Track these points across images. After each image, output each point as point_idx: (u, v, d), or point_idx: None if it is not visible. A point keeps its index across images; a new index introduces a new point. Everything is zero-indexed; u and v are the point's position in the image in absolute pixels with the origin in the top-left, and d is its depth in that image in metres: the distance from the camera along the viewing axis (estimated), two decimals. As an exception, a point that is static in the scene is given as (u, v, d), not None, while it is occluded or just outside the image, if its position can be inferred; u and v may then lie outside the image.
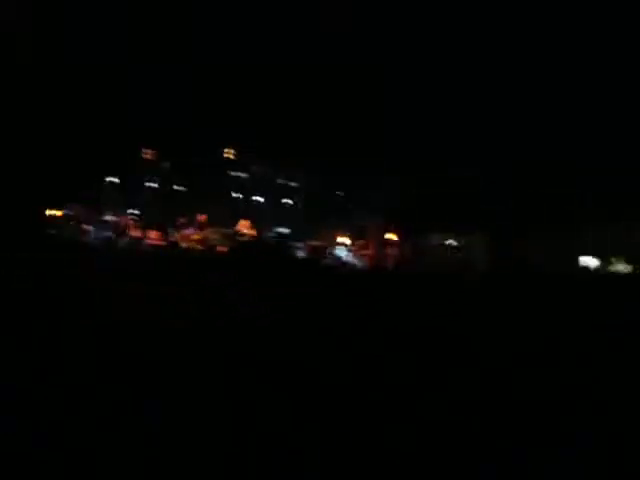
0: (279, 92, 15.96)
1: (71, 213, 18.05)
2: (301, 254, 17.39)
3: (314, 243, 17.46)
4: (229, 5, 15.20)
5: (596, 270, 16.27)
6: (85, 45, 15.67)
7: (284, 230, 17.49)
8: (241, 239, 17.21)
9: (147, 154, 18.64)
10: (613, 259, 17.25)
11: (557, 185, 15.63)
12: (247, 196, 18.00)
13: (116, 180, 18.44)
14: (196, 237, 17.41)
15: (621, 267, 17.04)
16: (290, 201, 17.94)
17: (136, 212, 18.07)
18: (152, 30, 15.34)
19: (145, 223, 18.23)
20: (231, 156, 18.50)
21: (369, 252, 17.47)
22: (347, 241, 18.08)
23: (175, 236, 17.72)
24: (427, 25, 15.11)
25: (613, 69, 14.91)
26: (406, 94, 15.25)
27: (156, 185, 18.63)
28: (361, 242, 17.58)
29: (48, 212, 17.86)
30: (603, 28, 14.48)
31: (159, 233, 18.09)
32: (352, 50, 15.26)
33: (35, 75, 15.54)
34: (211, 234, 17.31)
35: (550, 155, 15.24)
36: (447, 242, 17.63)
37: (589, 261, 17.31)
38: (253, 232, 17.44)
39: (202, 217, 17.77)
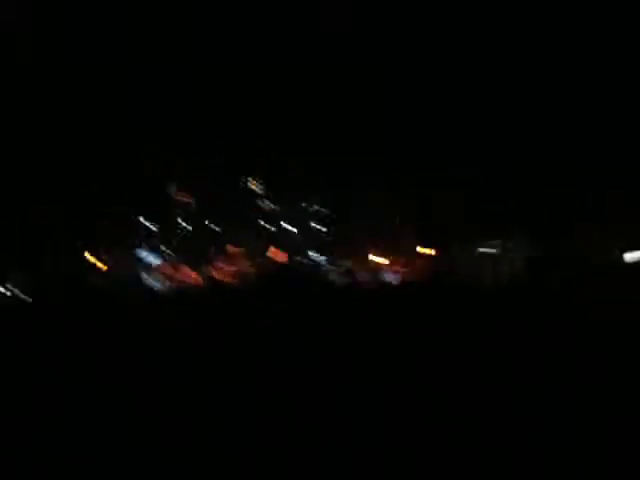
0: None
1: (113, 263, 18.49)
2: (335, 277, 17.36)
3: (348, 265, 17.43)
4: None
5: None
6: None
7: (316, 255, 17.54)
8: (272, 267, 17.32)
9: (176, 194, 19.07)
10: None
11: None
12: (277, 224, 18.16)
13: (151, 225, 18.86)
14: (231, 269, 17.59)
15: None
16: (320, 226, 18.03)
17: (169, 252, 18.42)
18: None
19: (177, 261, 18.55)
20: (255, 187, 18.77)
21: (405, 269, 17.30)
22: (382, 260, 17.95)
23: (210, 271, 17.93)
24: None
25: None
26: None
27: (184, 224, 18.98)
28: (396, 258, 17.44)
29: (91, 260, 18.21)
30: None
31: (193, 270, 18.34)
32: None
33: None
34: (244, 265, 17.48)
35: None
36: (483, 250, 17.34)
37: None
38: (285, 259, 17.53)
39: (233, 249, 17.95)
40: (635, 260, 16.01)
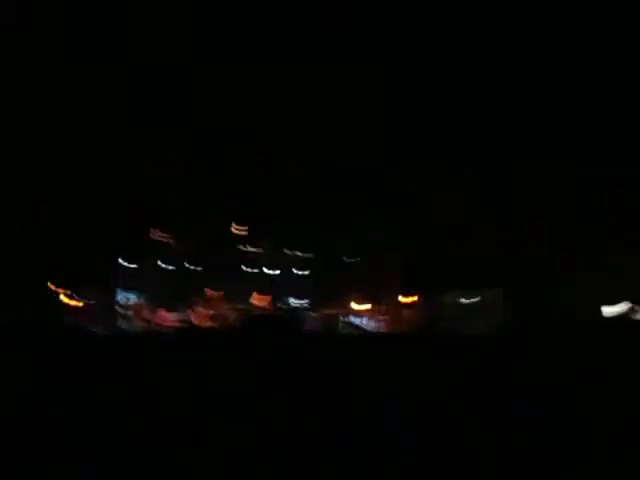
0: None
1: (88, 301, 18.03)
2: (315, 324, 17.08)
3: (327, 311, 17.17)
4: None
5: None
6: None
7: (297, 301, 17.26)
8: (253, 313, 17.00)
9: (155, 234, 18.80)
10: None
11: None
12: (260, 270, 17.90)
13: (128, 265, 18.51)
14: (210, 313, 17.22)
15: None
16: (303, 272, 17.83)
17: (146, 294, 18.04)
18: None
19: (154, 304, 18.15)
20: (239, 232, 18.61)
21: (386, 317, 17.07)
22: (363, 307, 17.73)
23: (188, 315, 17.54)
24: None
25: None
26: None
27: (164, 265, 18.65)
28: (377, 306, 17.24)
29: (63, 298, 17.77)
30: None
31: (172, 314, 17.94)
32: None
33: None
34: (225, 310, 17.13)
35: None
36: (464, 300, 17.21)
37: (610, 310, 16.62)
38: (267, 305, 17.22)
39: (214, 293, 17.62)
40: (613, 314, 15.99)
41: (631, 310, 15.67)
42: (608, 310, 15.67)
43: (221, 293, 17.44)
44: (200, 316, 17.20)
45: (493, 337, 15.34)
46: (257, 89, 16.14)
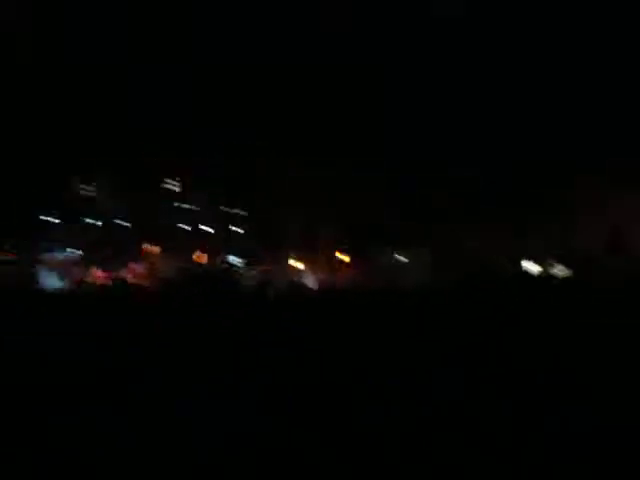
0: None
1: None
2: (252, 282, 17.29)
3: (265, 268, 17.42)
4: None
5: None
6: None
7: (236, 258, 17.38)
8: (188, 269, 16.92)
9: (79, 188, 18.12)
10: (552, 263, 18.00)
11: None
12: (194, 226, 17.77)
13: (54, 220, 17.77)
14: (144, 270, 16.96)
15: (560, 271, 17.81)
16: (240, 229, 17.90)
17: (78, 252, 17.45)
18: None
19: (88, 262, 17.62)
20: (173, 187, 18.30)
21: (322, 274, 17.59)
22: (298, 264, 18.12)
23: (123, 273, 17.19)
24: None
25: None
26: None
27: (94, 221, 18.08)
28: (313, 263, 17.68)
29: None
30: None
31: (105, 271, 17.50)
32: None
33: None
34: (161, 265, 16.93)
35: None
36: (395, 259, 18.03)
37: (530, 266, 18.06)
38: (206, 261, 17.21)
39: (150, 249, 17.34)
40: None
41: (548, 266, 17.18)
42: (527, 265, 17.10)
43: (159, 249, 17.17)
44: (132, 272, 16.92)
45: (424, 290, 16.06)
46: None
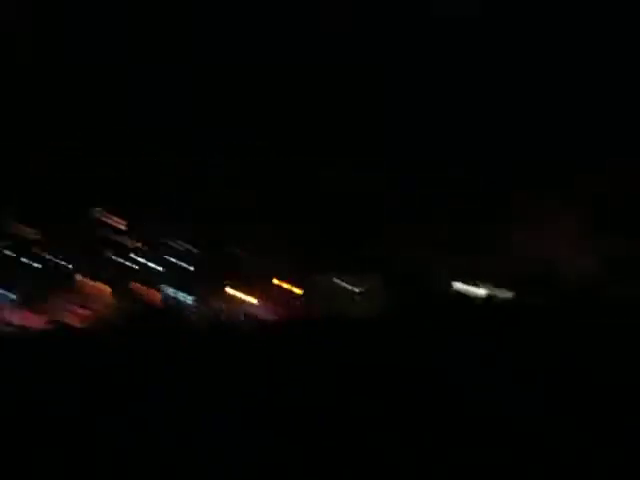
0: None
1: None
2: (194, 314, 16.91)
3: (214, 303, 17.06)
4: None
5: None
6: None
7: (184, 294, 16.89)
8: (137, 309, 16.30)
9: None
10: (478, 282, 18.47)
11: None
12: (143, 263, 17.11)
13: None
14: (89, 312, 16.12)
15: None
16: (182, 263, 17.40)
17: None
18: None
19: (20, 304, 16.55)
20: (108, 219, 17.59)
21: (271, 304, 17.42)
22: (239, 294, 17.89)
23: (59, 314, 16.25)
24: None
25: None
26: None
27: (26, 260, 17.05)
28: (261, 294, 17.48)
29: None
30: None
31: (36, 312, 16.50)
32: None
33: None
34: (108, 307, 16.17)
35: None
36: (344, 285, 18.16)
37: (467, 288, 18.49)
38: (154, 299, 16.59)
39: (96, 287, 16.55)
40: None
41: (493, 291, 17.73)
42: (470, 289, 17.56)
43: (104, 288, 16.37)
44: (77, 315, 16.04)
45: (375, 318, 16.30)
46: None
